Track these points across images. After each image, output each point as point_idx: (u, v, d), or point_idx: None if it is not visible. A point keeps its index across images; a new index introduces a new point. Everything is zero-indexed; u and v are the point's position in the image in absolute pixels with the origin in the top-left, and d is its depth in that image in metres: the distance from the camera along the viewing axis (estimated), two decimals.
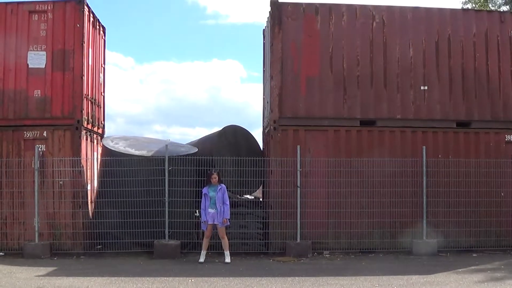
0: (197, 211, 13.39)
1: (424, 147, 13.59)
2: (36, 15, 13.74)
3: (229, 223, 12.66)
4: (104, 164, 14.15)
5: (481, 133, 14.11)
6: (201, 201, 12.66)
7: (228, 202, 12.54)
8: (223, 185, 12.65)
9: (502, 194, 13.84)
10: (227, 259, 12.51)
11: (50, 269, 11.55)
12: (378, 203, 13.55)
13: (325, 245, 13.54)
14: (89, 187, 13.94)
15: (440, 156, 13.78)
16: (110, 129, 16.13)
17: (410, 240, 13.56)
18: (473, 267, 11.66)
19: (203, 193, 12.60)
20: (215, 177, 12.56)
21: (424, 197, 13.49)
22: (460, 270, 11.29)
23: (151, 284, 10.01)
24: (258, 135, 16.34)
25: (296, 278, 10.54)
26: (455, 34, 14.23)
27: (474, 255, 13.28)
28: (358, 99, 13.93)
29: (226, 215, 12.46)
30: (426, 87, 13.98)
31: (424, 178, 13.49)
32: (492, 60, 14.24)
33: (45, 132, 13.54)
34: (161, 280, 10.39)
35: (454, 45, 14.21)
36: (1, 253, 13.28)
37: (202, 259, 12.53)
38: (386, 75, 13.98)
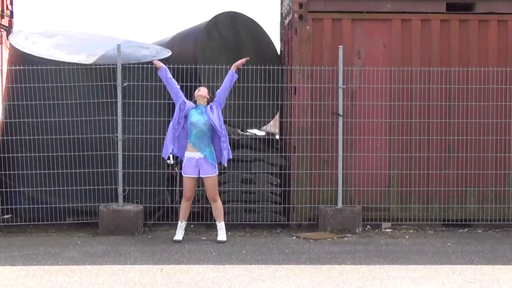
0: (170, 156, 10.46)
1: None
2: None
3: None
4: (13, 77, 10.98)
5: None
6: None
7: (226, 133, 9.58)
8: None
9: None
10: (221, 236, 9.77)
11: None
12: (477, 142, 10.25)
13: (385, 214, 10.54)
14: None
15: None
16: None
17: None
18: None
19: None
20: (204, 91, 9.59)
21: None
22: None
23: (94, 276, 7.90)
24: (273, 33, 13.05)
25: (336, 266, 8.45)
26: None
27: None
28: None
29: (228, 154, 9.57)
30: None
31: None
32: None
33: None
34: (111, 270, 8.15)
35: None
36: None
37: (179, 236, 9.78)
38: None
